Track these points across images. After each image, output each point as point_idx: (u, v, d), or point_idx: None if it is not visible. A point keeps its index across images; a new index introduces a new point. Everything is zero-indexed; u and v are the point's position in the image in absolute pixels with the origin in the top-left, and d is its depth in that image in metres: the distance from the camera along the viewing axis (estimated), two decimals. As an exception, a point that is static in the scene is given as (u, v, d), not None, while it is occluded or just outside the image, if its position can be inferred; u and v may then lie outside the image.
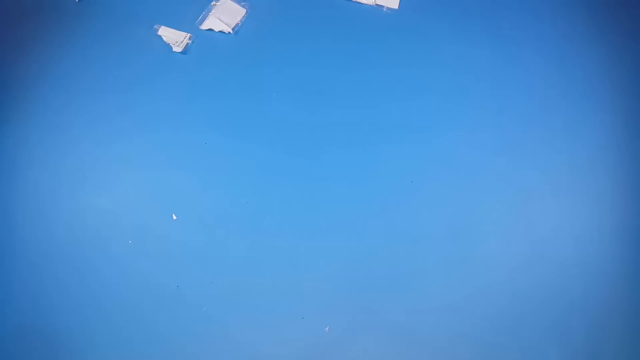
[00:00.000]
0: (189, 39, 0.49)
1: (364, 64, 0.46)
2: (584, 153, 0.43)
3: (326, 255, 0.40)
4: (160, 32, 0.49)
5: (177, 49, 0.48)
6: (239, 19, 0.50)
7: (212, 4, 0.50)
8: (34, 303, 0.39)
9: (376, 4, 0.50)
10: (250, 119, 0.46)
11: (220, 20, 0.49)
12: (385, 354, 0.36)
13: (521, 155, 0.43)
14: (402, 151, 0.43)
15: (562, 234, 0.40)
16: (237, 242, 0.42)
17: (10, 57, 0.49)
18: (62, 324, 0.38)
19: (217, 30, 0.49)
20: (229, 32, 0.49)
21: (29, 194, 0.42)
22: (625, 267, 0.39)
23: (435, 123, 0.44)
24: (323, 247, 0.40)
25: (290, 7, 0.50)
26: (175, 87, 0.46)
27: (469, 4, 0.50)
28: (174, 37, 0.48)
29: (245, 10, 0.50)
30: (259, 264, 0.41)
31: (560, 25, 0.48)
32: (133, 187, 0.43)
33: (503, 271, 0.39)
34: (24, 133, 0.45)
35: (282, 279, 0.39)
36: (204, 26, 0.49)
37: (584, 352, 0.36)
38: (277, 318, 0.38)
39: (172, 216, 0.42)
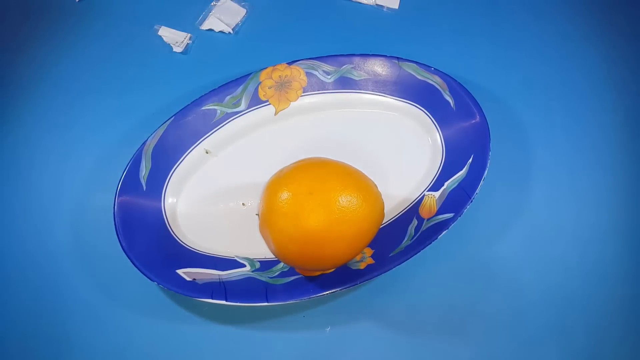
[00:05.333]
0: (189, 39, 0.49)
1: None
2: (584, 153, 0.43)
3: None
4: (160, 32, 0.49)
5: (178, 49, 0.48)
6: (239, 19, 0.50)
7: (212, 4, 0.50)
8: (36, 304, 0.39)
9: (376, 4, 0.50)
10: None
11: (220, 20, 0.49)
12: (385, 353, 0.36)
13: (521, 154, 0.43)
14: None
15: (562, 234, 0.40)
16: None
17: (9, 57, 0.49)
18: (67, 325, 0.38)
19: (217, 30, 0.49)
20: (229, 32, 0.49)
21: (30, 194, 0.42)
22: (625, 267, 0.39)
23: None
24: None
25: (290, 7, 0.50)
26: (176, 87, 0.46)
27: (469, 3, 0.50)
28: (174, 37, 0.48)
29: (245, 10, 0.50)
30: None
31: (561, 25, 0.48)
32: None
33: (502, 271, 0.39)
34: (23, 134, 0.45)
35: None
36: (204, 26, 0.49)
37: (584, 351, 0.36)
38: (277, 316, 0.38)
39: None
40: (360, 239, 0.33)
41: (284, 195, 0.32)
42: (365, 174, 0.35)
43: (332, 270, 0.36)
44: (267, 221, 0.33)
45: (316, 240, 0.31)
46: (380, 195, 0.34)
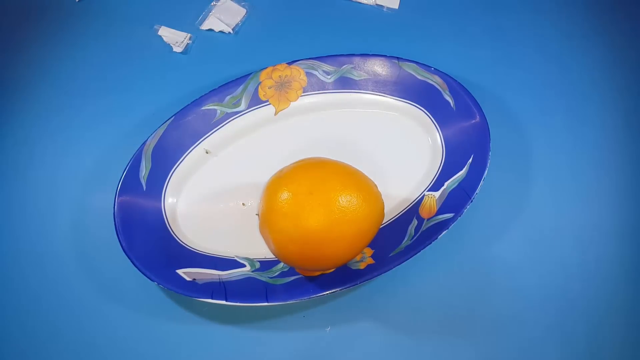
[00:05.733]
0: (189, 39, 0.49)
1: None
2: (585, 152, 0.43)
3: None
4: (160, 32, 0.49)
5: (178, 49, 0.48)
6: (239, 19, 0.50)
7: (212, 4, 0.50)
8: (34, 303, 0.39)
9: (376, 4, 0.50)
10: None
11: (220, 20, 0.49)
12: (385, 353, 0.36)
13: (521, 154, 0.43)
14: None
15: (562, 234, 0.40)
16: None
17: (8, 57, 0.49)
18: (67, 324, 0.38)
19: (217, 30, 0.49)
20: (229, 32, 0.49)
21: (29, 194, 0.43)
22: (625, 267, 0.39)
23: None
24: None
25: (290, 7, 0.50)
26: (176, 87, 0.46)
27: (469, 3, 0.50)
28: (174, 37, 0.48)
29: (245, 10, 0.50)
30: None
31: (562, 24, 0.48)
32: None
33: (503, 271, 0.39)
34: (23, 133, 0.45)
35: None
36: (204, 26, 0.49)
37: (584, 352, 0.36)
38: (277, 316, 0.38)
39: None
40: (360, 239, 0.33)
41: (284, 195, 0.32)
42: (365, 174, 0.35)
43: (332, 270, 0.36)
44: (267, 221, 0.33)
45: (316, 240, 0.31)
46: (380, 195, 0.34)
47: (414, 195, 0.40)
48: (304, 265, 0.33)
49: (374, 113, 0.43)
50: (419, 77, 0.42)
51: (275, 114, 0.43)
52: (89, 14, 0.51)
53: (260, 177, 0.40)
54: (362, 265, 0.36)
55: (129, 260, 0.36)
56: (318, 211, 0.31)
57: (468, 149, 0.39)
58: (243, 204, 0.40)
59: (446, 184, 0.38)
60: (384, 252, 0.36)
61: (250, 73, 0.43)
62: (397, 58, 0.42)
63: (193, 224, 0.40)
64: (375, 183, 0.35)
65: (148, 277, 0.35)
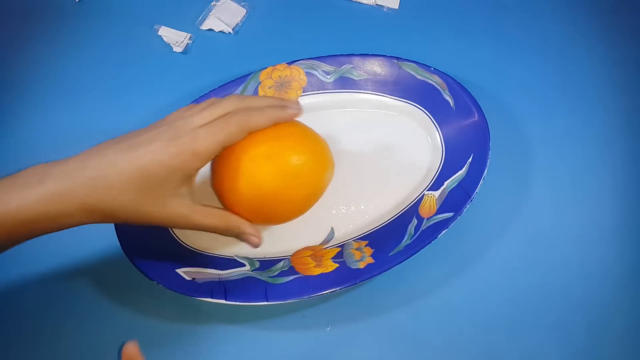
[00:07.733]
0: (189, 39, 0.49)
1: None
2: (584, 152, 0.43)
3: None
4: (160, 32, 0.49)
5: (178, 49, 0.48)
6: (239, 19, 0.50)
7: (212, 4, 0.50)
8: (34, 303, 0.39)
9: (376, 4, 0.50)
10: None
11: (220, 20, 0.49)
12: (385, 354, 0.36)
13: (521, 154, 0.43)
14: (402, 151, 0.43)
15: (562, 234, 0.40)
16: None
17: (9, 57, 0.49)
18: (66, 324, 0.38)
19: (217, 30, 0.49)
20: (229, 32, 0.49)
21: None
22: (625, 267, 0.39)
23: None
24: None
25: (290, 7, 0.50)
26: (176, 87, 0.46)
27: (469, 3, 0.50)
28: (174, 37, 0.48)
29: (245, 10, 0.50)
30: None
31: (562, 24, 0.48)
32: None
33: (503, 271, 0.39)
34: (24, 134, 0.45)
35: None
36: (204, 26, 0.49)
37: (584, 352, 0.36)
38: (277, 316, 0.38)
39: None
40: (311, 194, 0.33)
41: (240, 153, 0.32)
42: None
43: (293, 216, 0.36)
44: (220, 177, 0.33)
45: (269, 197, 0.32)
46: (331, 154, 0.35)
47: (413, 195, 0.40)
48: (255, 218, 0.33)
49: (374, 113, 0.43)
50: (419, 77, 0.42)
51: None
52: (89, 14, 0.51)
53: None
54: (361, 265, 0.36)
55: (129, 260, 0.36)
56: (270, 168, 0.32)
57: (468, 149, 0.39)
58: None
59: (446, 183, 0.38)
60: (384, 252, 0.36)
61: (250, 73, 0.43)
62: (397, 58, 0.42)
63: (193, 224, 0.40)
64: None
65: (148, 277, 0.35)
